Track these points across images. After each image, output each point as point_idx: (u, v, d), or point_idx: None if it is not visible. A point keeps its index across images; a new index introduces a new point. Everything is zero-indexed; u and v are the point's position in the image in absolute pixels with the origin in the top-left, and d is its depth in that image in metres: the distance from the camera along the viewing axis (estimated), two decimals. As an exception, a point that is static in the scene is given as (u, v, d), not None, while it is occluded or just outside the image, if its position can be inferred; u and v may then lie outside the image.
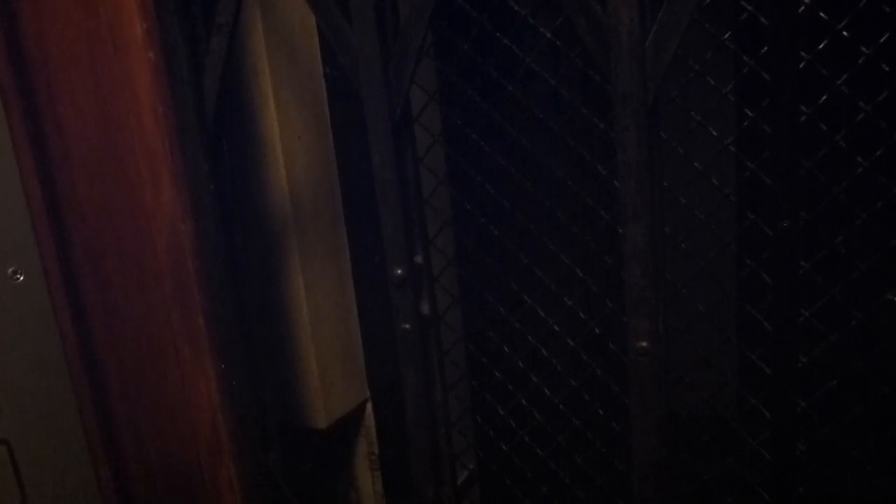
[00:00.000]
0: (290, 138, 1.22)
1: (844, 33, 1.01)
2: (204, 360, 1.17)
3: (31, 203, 1.00)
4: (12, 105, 0.94)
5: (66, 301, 1.05)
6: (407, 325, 1.12)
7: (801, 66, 1.04)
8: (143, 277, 1.11)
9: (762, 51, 1.04)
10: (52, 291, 1.04)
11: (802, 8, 1.02)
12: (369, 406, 1.48)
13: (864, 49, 1.00)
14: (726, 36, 1.08)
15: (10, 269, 0.97)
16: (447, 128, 1.31)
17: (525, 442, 1.40)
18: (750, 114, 1.09)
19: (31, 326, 1.03)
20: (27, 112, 0.96)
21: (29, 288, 1.00)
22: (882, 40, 0.99)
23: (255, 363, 1.28)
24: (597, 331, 1.30)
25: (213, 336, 1.16)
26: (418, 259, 1.10)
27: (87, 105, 0.99)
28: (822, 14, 1.02)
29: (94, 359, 1.12)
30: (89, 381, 1.12)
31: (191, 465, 1.23)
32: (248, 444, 1.23)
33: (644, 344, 1.00)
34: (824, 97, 1.04)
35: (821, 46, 1.02)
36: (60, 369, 1.06)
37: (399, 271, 1.09)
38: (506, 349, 1.39)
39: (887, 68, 1.00)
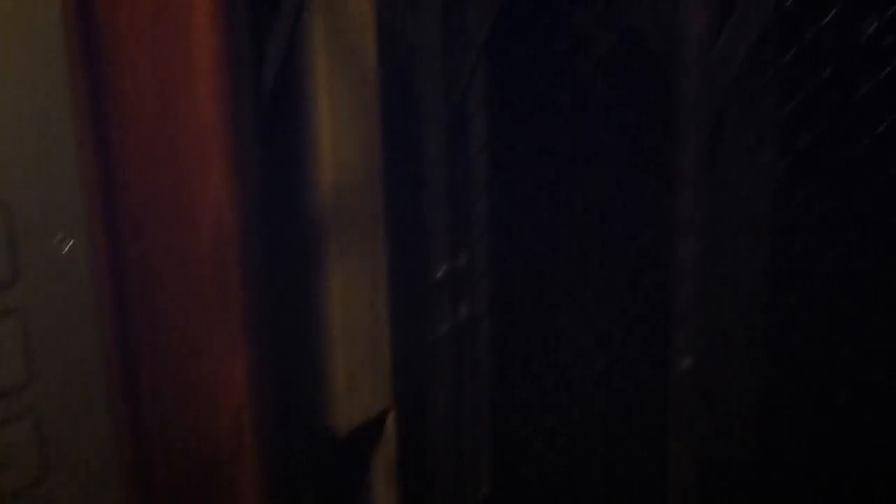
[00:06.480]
0: (339, 130, 1.22)
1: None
2: (236, 353, 1.16)
3: (84, 173, 1.00)
4: (78, 75, 0.95)
5: (108, 274, 1.05)
6: (443, 329, 1.11)
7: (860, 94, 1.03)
8: (185, 260, 1.10)
9: (820, 76, 1.04)
10: (96, 262, 1.03)
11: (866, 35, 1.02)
12: (392, 415, 1.45)
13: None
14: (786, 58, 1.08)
15: (57, 237, 0.97)
16: (493, 135, 1.31)
17: (547, 462, 1.38)
18: (804, 141, 1.09)
19: (71, 295, 1.02)
20: (90, 81, 0.97)
21: (73, 256, 0.99)
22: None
23: (285, 360, 1.27)
24: (631, 353, 1.28)
25: (248, 329, 1.15)
26: (461, 261, 1.10)
27: (147, 79, 0.99)
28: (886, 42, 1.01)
29: (129, 336, 1.11)
30: (121, 357, 1.11)
31: (211, 459, 1.22)
32: (270, 445, 1.21)
33: (686, 365, 0.98)
34: (884, 124, 1.03)
35: (882, 74, 1.02)
36: (94, 343, 1.05)
37: (441, 272, 1.08)
38: (535, 365, 1.38)
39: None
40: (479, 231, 1.31)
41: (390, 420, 1.46)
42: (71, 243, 0.97)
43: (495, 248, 1.43)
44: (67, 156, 0.97)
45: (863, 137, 1.04)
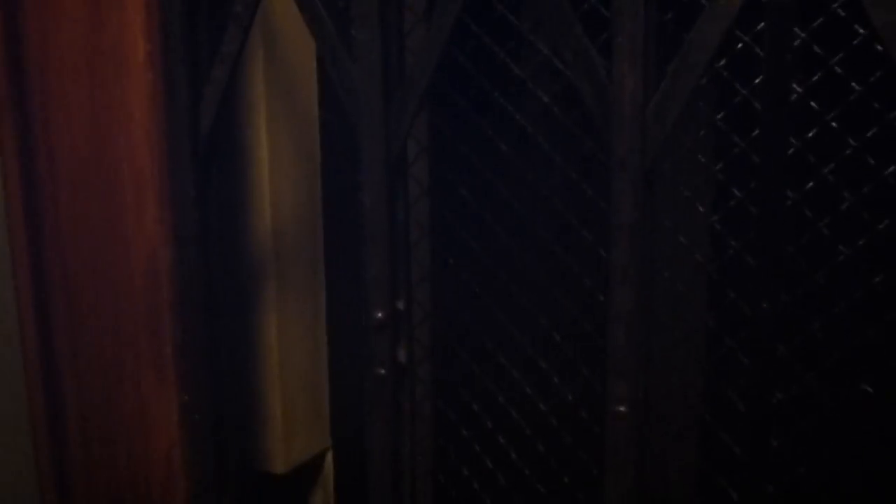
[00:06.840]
0: (278, 175, 1.22)
1: (833, 124, 1.05)
2: (168, 390, 1.13)
3: (10, 212, 0.98)
4: (4, 111, 0.93)
5: (34, 314, 1.02)
6: (381, 371, 1.10)
7: (789, 151, 1.06)
8: (116, 299, 1.08)
9: (753, 133, 1.07)
10: (21, 303, 1.00)
11: (794, 96, 1.05)
12: (329, 455, 1.44)
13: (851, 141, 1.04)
14: (719, 116, 1.11)
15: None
16: (434, 180, 1.32)
17: (486, 504, 1.38)
18: (737, 193, 1.12)
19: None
20: (17, 120, 0.95)
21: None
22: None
23: (219, 399, 1.24)
24: (570, 397, 1.29)
25: (180, 366, 1.13)
26: (400, 305, 1.09)
27: (80, 119, 0.97)
28: (813, 104, 1.05)
29: (55, 377, 1.08)
30: (46, 399, 1.08)
31: (142, 498, 1.19)
32: (203, 483, 1.18)
33: (623, 409, 0.99)
34: (811, 183, 1.07)
35: (810, 135, 1.05)
36: (19, 383, 1.02)
37: (380, 315, 1.07)
38: (475, 407, 1.38)
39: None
40: (421, 275, 1.30)
41: (328, 460, 1.44)
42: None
43: (437, 291, 1.43)
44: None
45: (792, 191, 1.07)
